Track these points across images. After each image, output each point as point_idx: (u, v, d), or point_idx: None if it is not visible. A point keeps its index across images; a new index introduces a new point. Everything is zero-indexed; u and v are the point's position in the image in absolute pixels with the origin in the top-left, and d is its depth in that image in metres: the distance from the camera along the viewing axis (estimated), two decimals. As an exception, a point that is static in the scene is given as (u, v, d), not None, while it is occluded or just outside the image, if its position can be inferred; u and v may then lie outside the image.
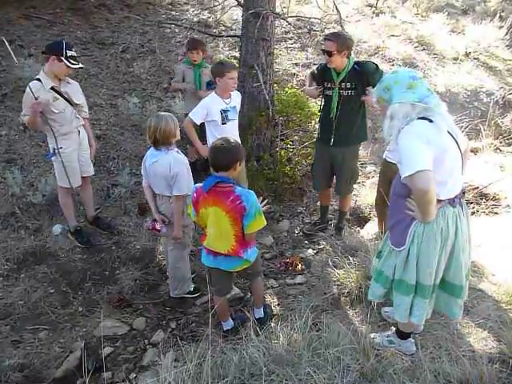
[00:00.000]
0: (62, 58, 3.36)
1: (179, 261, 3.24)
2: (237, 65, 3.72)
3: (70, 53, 3.39)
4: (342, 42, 3.38)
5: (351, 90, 3.53)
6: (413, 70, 2.21)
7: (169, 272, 3.39)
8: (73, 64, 3.41)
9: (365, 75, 3.49)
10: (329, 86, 3.60)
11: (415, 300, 2.22)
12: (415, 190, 1.99)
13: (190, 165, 3.16)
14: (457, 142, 2.12)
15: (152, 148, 3.04)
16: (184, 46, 4.72)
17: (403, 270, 2.20)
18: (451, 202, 2.10)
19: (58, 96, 3.49)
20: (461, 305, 2.27)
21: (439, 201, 2.08)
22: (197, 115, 3.58)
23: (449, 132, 2.10)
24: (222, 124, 3.60)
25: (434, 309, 2.37)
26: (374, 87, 3.53)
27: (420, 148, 1.96)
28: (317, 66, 3.84)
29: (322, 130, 3.82)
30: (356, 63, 3.52)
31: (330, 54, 3.40)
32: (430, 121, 2.05)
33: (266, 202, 2.81)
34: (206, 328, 2.82)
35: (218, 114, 3.57)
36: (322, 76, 3.64)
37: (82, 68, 3.59)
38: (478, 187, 4.51)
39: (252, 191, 2.63)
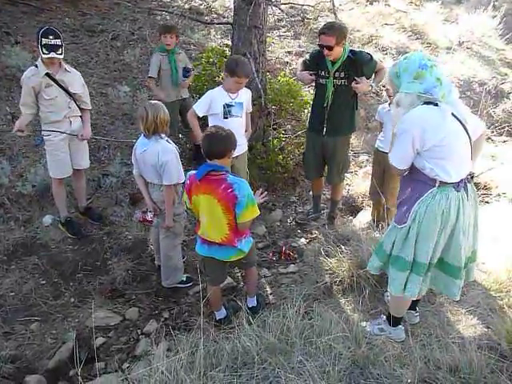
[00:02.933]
0: (38, 47, 3.30)
1: (171, 250, 3.23)
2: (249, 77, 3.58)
3: (44, 41, 3.27)
4: (339, 33, 3.34)
5: (345, 80, 3.51)
6: (426, 56, 2.17)
7: (161, 261, 3.38)
8: (44, 53, 3.29)
9: (358, 64, 3.47)
10: (322, 74, 3.57)
11: (410, 276, 2.29)
12: (391, 166, 2.29)
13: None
14: (465, 128, 2.15)
15: (142, 137, 3.02)
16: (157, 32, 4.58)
17: (401, 246, 2.26)
18: (455, 186, 2.15)
19: (51, 83, 3.44)
20: (459, 285, 2.31)
21: (433, 180, 2.14)
22: (200, 107, 3.48)
23: (456, 117, 2.13)
24: (224, 118, 3.48)
25: (433, 289, 2.46)
26: (367, 77, 3.53)
27: (402, 145, 2.16)
28: (310, 53, 3.80)
29: (314, 119, 3.80)
30: (350, 51, 3.49)
31: (330, 48, 3.36)
32: (436, 104, 2.09)
33: (265, 194, 2.82)
34: (198, 317, 2.81)
35: (220, 107, 3.45)
36: (316, 64, 3.60)
37: (57, 58, 3.39)
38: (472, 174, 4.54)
39: (245, 180, 2.63)
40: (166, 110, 3.00)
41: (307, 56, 3.81)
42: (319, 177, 4.06)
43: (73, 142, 3.69)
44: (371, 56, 3.54)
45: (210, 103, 3.46)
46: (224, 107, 3.46)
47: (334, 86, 3.52)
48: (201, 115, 3.51)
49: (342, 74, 3.49)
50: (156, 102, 3.07)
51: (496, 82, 6.89)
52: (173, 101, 4.34)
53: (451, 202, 2.13)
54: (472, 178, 2.25)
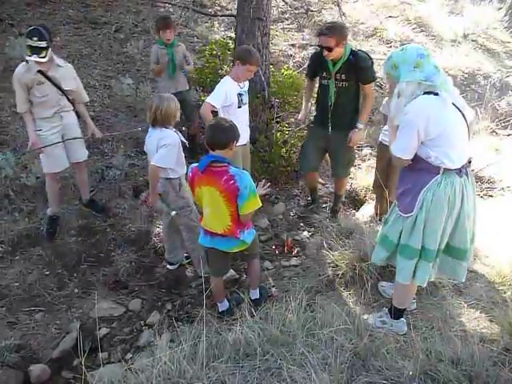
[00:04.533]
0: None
1: (192, 243, 3.26)
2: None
3: (28, 41, 3.18)
4: (339, 34, 3.27)
5: (346, 82, 3.48)
6: (421, 47, 2.24)
7: (169, 256, 3.50)
8: (27, 55, 3.21)
9: (358, 70, 3.41)
10: (324, 75, 3.54)
11: (419, 263, 2.31)
12: (393, 158, 2.31)
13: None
14: (463, 115, 2.20)
15: (150, 127, 3.06)
16: (154, 26, 4.53)
17: (409, 235, 2.29)
18: (458, 172, 2.19)
19: (43, 80, 3.33)
20: (465, 267, 2.36)
21: (437, 168, 2.18)
22: (217, 99, 3.39)
23: (454, 105, 2.18)
24: (238, 108, 3.51)
25: (439, 272, 2.47)
26: (363, 83, 3.48)
27: (408, 136, 2.17)
28: (310, 57, 3.79)
29: (319, 116, 3.77)
30: (352, 53, 3.40)
31: (330, 49, 3.29)
32: (436, 94, 2.13)
33: (268, 185, 2.83)
34: (201, 309, 2.84)
35: (235, 97, 3.47)
36: (318, 64, 3.56)
37: (38, 61, 3.23)
38: (473, 170, 4.51)
39: (247, 172, 2.64)
40: (174, 104, 2.99)
41: (309, 62, 3.78)
42: (314, 170, 4.03)
43: (66, 135, 3.60)
44: (372, 62, 3.48)
45: (226, 95, 3.42)
46: (238, 96, 3.48)
47: (336, 87, 3.48)
48: (218, 107, 3.42)
49: (344, 76, 3.44)
50: (165, 94, 3.09)
51: (501, 74, 6.83)
52: (170, 93, 4.31)
53: (456, 188, 2.18)
54: (470, 162, 2.29)
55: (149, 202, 3.18)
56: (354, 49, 3.48)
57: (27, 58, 3.24)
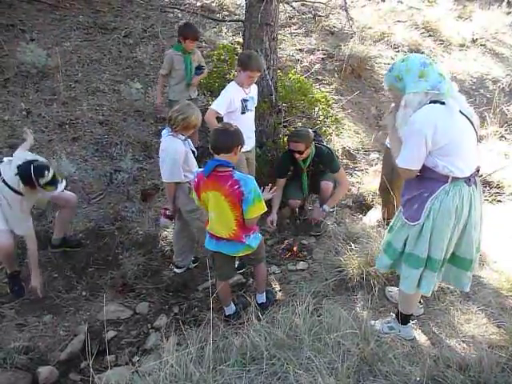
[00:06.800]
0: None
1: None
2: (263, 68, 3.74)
3: (42, 180, 3.03)
4: (307, 139, 3.67)
5: (316, 169, 3.87)
6: (423, 56, 2.21)
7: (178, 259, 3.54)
8: (49, 191, 3.12)
9: (324, 164, 3.83)
10: (296, 171, 3.89)
11: (424, 273, 2.28)
12: (399, 170, 2.25)
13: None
14: (471, 122, 2.17)
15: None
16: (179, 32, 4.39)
17: (415, 243, 2.25)
18: (466, 181, 2.15)
19: None
20: (470, 277, 2.33)
21: (446, 176, 2.14)
22: (221, 105, 3.46)
23: (462, 112, 2.14)
24: (242, 113, 3.57)
25: (443, 281, 2.46)
26: (332, 172, 3.85)
27: (415, 146, 2.11)
28: (281, 160, 3.99)
29: (294, 190, 3.97)
30: (316, 153, 3.79)
31: (301, 152, 3.68)
32: (442, 103, 2.08)
33: (274, 189, 2.85)
34: (208, 313, 2.84)
35: (239, 103, 3.52)
36: (289, 164, 3.86)
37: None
38: (481, 175, 4.49)
39: (252, 177, 2.65)
40: (195, 117, 3.04)
41: (280, 163, 3.99)
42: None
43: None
44: (333, 157, 3.86)
45: (230, 100, 3.48)
46: (242, 102, 3.54)
47: (308, 176, 3.88)
48: (223, 113, 3.49)
49: (313, 168, 3.86)
50: (192, 104, 3.18)
51: (510, 79, 6.78)
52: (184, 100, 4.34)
53: (464, 197, 2.14)
54: (478, 171, 2.26)
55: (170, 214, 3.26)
56: (317, 145, 3.84)
57: (52, 194, 3.17)
